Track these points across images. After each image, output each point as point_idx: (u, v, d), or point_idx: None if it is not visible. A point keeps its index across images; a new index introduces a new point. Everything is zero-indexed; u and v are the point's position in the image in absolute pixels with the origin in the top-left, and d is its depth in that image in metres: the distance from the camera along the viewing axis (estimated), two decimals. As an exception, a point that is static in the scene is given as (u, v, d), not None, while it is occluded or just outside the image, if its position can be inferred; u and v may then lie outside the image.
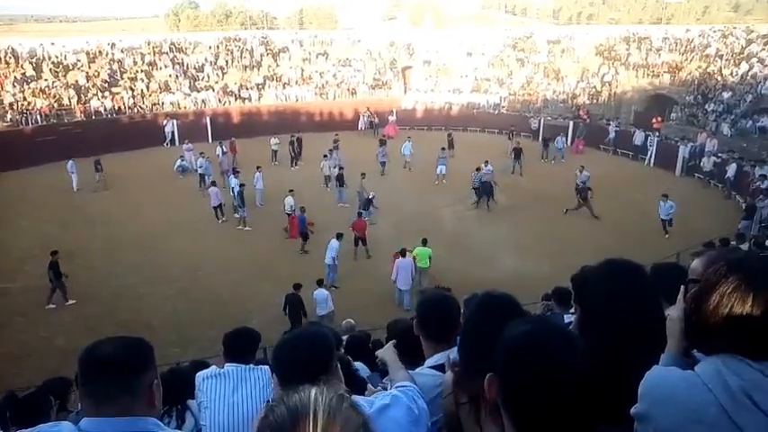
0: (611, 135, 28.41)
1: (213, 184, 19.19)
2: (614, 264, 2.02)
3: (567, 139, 27.86)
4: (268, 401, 3.32)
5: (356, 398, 1.75)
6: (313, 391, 1.01)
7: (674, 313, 1.55)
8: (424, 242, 14.20)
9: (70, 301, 13.52)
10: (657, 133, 27.11)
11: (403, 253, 13.52)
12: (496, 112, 34.06)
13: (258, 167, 20.45)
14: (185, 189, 21.82)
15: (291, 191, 18.46)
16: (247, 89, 33.39)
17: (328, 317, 12.14)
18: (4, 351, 11.59)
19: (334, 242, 14.31)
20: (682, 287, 1.57)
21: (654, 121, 28.59)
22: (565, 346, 1.30)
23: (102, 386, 1.62)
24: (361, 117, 33.05)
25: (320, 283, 12.54)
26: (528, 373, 1.26)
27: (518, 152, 23.90)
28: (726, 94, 27.53)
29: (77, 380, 1.73)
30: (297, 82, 34.94)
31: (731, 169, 21.28)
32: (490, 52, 39.04)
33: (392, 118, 32.38)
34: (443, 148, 24.04)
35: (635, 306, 1.73)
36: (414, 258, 13.60)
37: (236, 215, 18.28)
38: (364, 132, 31.77)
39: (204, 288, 14.41)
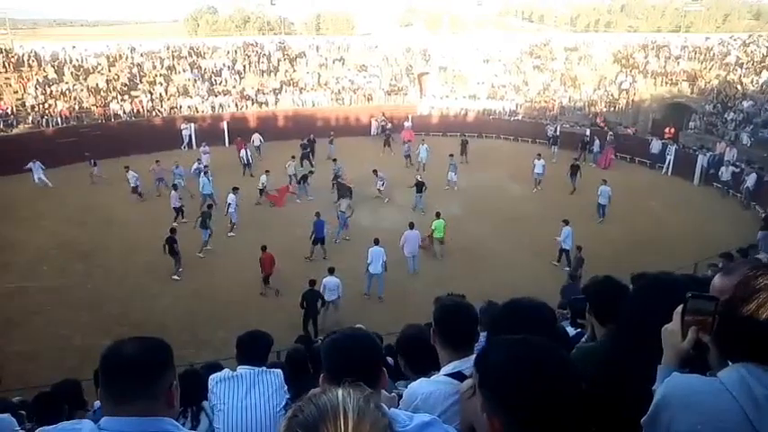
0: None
1: (174, 188, 19.47)
2: (654, 278, 2.01)
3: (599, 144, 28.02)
4: (287, 403, 3.36)
5: (396, 411, 1.78)
6: (341, 392, 1.03)
7: (670, 326, 1.55)
8: (438, 215, 16.27)
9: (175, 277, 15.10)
10: (672, 142, 26.89)
11: (411, 225, 15.48)
12: (512, 118, 33.96)
13: (235, 189, 18.70)
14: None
15: (267, 171, 21.25)
16: (264, 94, 33.65)
17: (335, 303, 12.78)
18: (21, 349, 11.78)
19: (377, 249, 13.92)
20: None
21: (666, 131, 28.43)
22: (559, 363, 1.31)
23: (124, 386, 1.63)
24: (373, 122, 33.17)
25: (331, 271, 12.90)
26: (523, 395, 1.25)
27: (575, 169, 22.43)
28: (746, 104, 27.20)
29: (97, 378, 1.75)
30: (313, 87, 35.13)
31: (750, 179, 20.99)
32: (507, 59, 38.96)
33: (408, 124, 32.37)
34: (451, 155, 23.83)
35: (665, 321, 1.69)
36: (432, 231, 15.91)
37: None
38: (378, 137, 31.93)
39: (216, 289, 14.54)
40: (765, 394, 1.24)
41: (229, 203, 18.10)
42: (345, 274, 13.82)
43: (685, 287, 1.94)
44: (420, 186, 19.91)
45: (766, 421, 1.22)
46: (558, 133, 30.02)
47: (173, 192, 19.23)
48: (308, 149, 25.91)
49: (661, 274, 2.03)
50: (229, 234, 17.98)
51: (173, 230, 15.26)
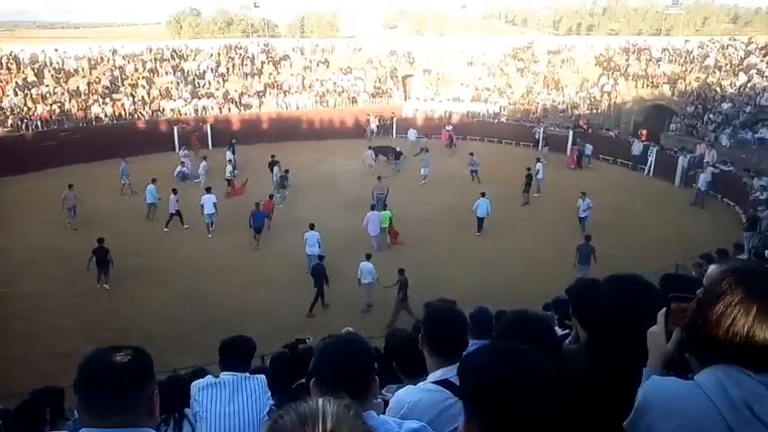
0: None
1: (174, 192, 18.93)
2: (622, 280, 2.02)
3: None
4: (271, 409, 3.33)
5: (384, 417, 1.76)
6: (321, 401, 1.06)
7: (655, 328, 1.56)
8: (384, 207, 18.22)
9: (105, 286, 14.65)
10: (653, 144, 27.23)
11: (372, 207, 17.48)
12: (496, 120, 34.14)
13: (208, 188, 19.17)
14: (185, 195, 21.81)
15: (230, 160, 23.30)
16: (248, 96, 33.48)
17: (371, 286, 13.60)
18: (3, 356, 11.56)
19: (311, 233, 15.11)
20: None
21: (640, 132, 29.01)
22: (539, 372, 1.31)
23: (104, 398, 1.59)
24: (367, 124, 33.38)
25: (368, 257, 13.87)
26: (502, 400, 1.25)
27: (529, 179, 21.32)
28: (725, 105, 27.63)
29: (76, 388, 1.71)
30: (297, 90, 35.05)
31: (702, 179, 21.54)
32: (490, 62, 39.18)
33: (449, 127, 32.17)
34: (427, 150, 25.12)
35: (644, 322, 1.68)
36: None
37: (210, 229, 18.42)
38: (371, 139, 31.97)
39: (202, 294, 14.42)
40: (742, 396, 1.24)
41: (203, 204, 18.02)
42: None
43: (647, 286, 1.96)
44: (398, 155, 25.77)
45: (744, 424, 1.23)
46: (541, 136, 30.23)
47: (172, 195, 18.72)
48: (232, 150, 25.82)
49: (618, 276, 2.04)
50: (208, 235, 18.19)
51: (101, 240, 14.53)
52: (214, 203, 18.13)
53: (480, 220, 18.25)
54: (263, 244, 17.41)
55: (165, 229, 18.57)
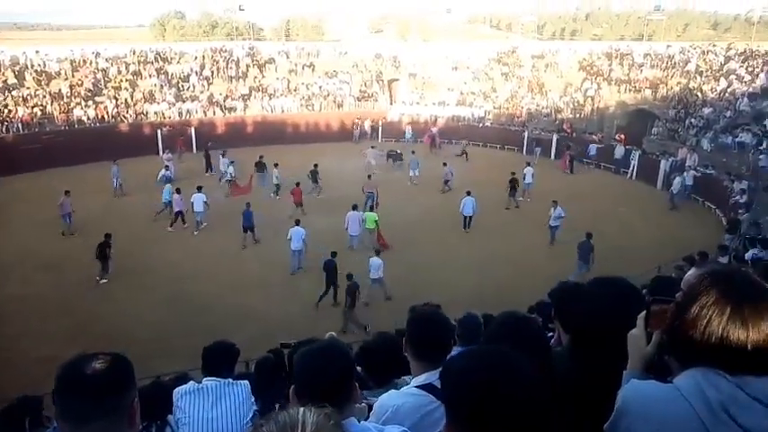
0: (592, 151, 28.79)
1: (178, 191, 19.15)
2: (606, 283, 2.03)
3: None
4: (255, 414, 3.30)
5: (366, 424, 1.75)
6: (301, 410, 1.08)
7: (635, 331, 1.57)
8: (371, 208, 18.18)
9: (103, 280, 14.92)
10: (636, 148, 27.55)
11: (354, 207, 17.04)
12: (481, 125, 34.32)
13: (199, 187, 19.18)
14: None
15: (232, 162, 23.20)
16: (233, 100, 33.31)
17: (379, 281, 13.74)
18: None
19: (297, 229, 15.37)
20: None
21: (617, 137, 29.56)
22: (519, 377, 1.30)
23: (82, 407, 1.54)
24: (355, 127, 33.58)
25: (378, 253, 14.17)
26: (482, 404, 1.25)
27: (514, 183, 21.31)
28: (706, 110, 28.04)
29: (54, 395, 1.67)
30: (283, 93, 34.95)
31: (675, 182, 21.91)
32: (475, 66, 39.41)
33: (435, 129, 32.42)
34: (413, 152, 26.03)
35: (628, 325, 1.67)
36: (363, 221, 17.00)
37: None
38: (358, 142, 32.08)
39: (187, 298, 14.23)
40: (719, 399, 1.25)
41: (192, 202, 18.37)
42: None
43: (631, 289, 1.98)
44: (398, 156, 26.98)
45: (721, 427, 1.23)
46: (527, 140, 30.48)
47: (176, 194, 18.88)
48: (208, 153, 26.08)
49: (602, 279, 2.06)
50: (194, 232, 18.46)
51: (108, 236, 15.10)
52: (204, 202, 18.44)
53: (467, 218, 18.54)
54: (253, 244, 17.50)
55: (170, 229, 18.69)
